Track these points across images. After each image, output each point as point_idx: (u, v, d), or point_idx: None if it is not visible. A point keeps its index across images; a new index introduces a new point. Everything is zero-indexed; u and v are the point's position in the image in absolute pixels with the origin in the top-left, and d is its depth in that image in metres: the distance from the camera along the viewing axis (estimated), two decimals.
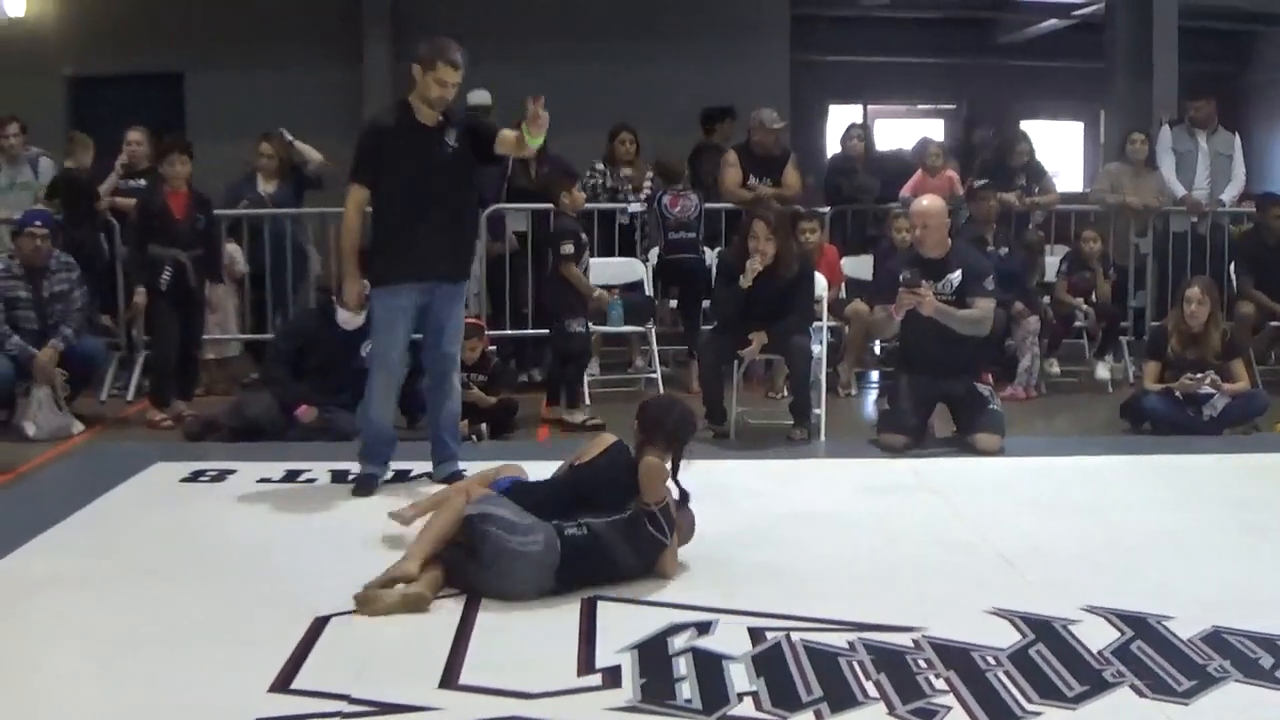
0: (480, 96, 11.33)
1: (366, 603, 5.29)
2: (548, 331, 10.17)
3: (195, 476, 7.84)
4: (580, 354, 9.89)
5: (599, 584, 5.58)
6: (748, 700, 4.46)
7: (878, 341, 11.32)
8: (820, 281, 9.71)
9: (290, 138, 11.35)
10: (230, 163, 11.83)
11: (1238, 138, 12.50)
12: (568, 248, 9.77)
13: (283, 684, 4.60)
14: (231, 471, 7.91)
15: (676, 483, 5.97)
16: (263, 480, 7.73)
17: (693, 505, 6.03)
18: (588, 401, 10.04)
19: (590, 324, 10.03)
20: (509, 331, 11.30)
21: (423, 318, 7.51)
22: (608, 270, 10.85)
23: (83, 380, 9.88)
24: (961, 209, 11.33)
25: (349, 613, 5.26)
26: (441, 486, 6.45)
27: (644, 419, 6.00)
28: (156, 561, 6.12)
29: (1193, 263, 11.95)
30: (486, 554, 5.47)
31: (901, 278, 8.62)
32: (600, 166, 11.70)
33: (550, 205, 10.83)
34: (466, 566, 5.55)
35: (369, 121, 7.73)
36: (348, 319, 8.90)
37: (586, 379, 10.20)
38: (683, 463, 6.01)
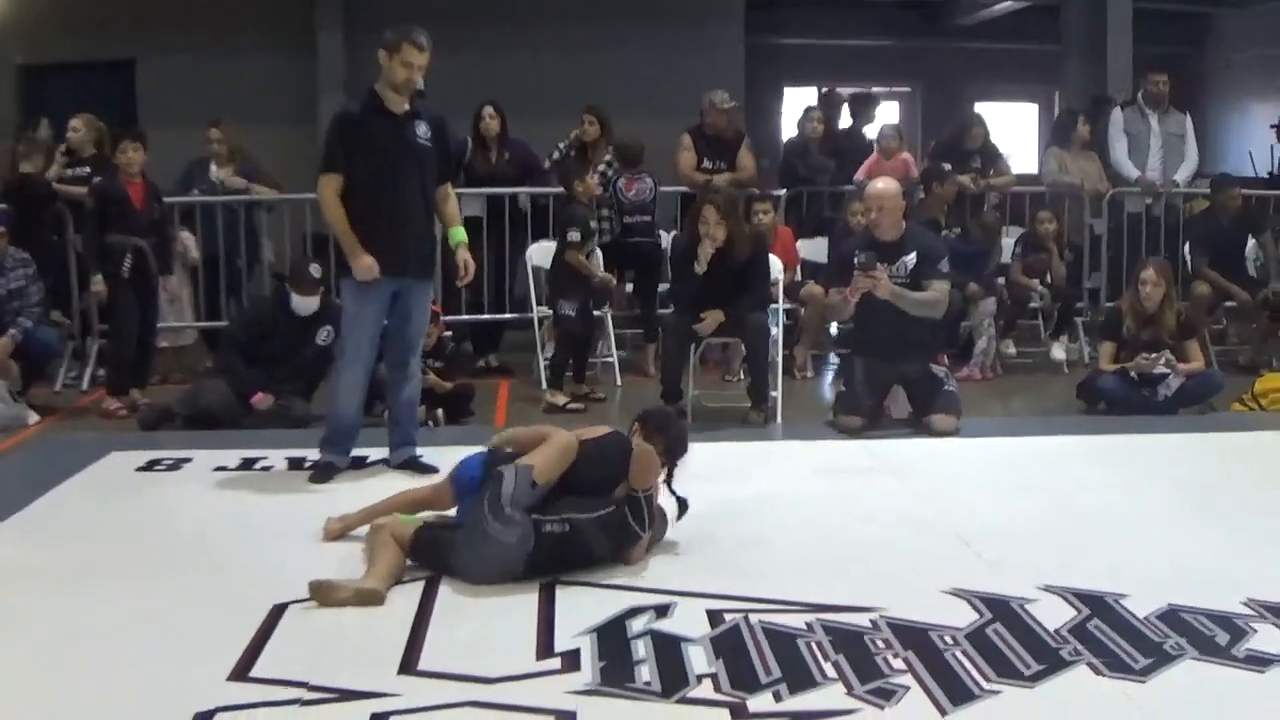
0: None
1: (321, 592, 5.26)
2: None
3: (151, 465, 7.80)
4: (568, 336, 10.03)
5: (568, 573, 5.57)
6: (707, 682, 4.46)
7: (834, 324, 11.34)
8: (775, 264, 9.72)
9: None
10: (183, 150, 11.77)
11: (1189, 118, 12.56)
12: (573, 235, 9.99)
13: (241, 672, 4.57)
14: (187, 460, 7.87)
15: (673, 492, 6.01)
16: (219, 468, 7.69)
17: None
18: (543, 385, 10.10)
19: (593, 306, 10.30)
20: (465, 317, 11.29)
21: (390, 305, 7.47)
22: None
23: (38, 371, 9.82)
24: (917, 191, 11.38)
25: (306, 600, 5.24)
26: (383, 497, 6.40)
27: (645, 425, 6.05)
28: (112, 551, 6.08)
29: (1147, 243, 12.03)
30: (466, 524, 5.53)
31: (856, 260, 8.65)
32: (562, 147, 11.67)
33: (508, 190, 10.94)
34: (449, 537, 5.59)
35: (337, 111, 7.66)
36: (302, 303, 8.90)
37: (543, 362, 10.35)
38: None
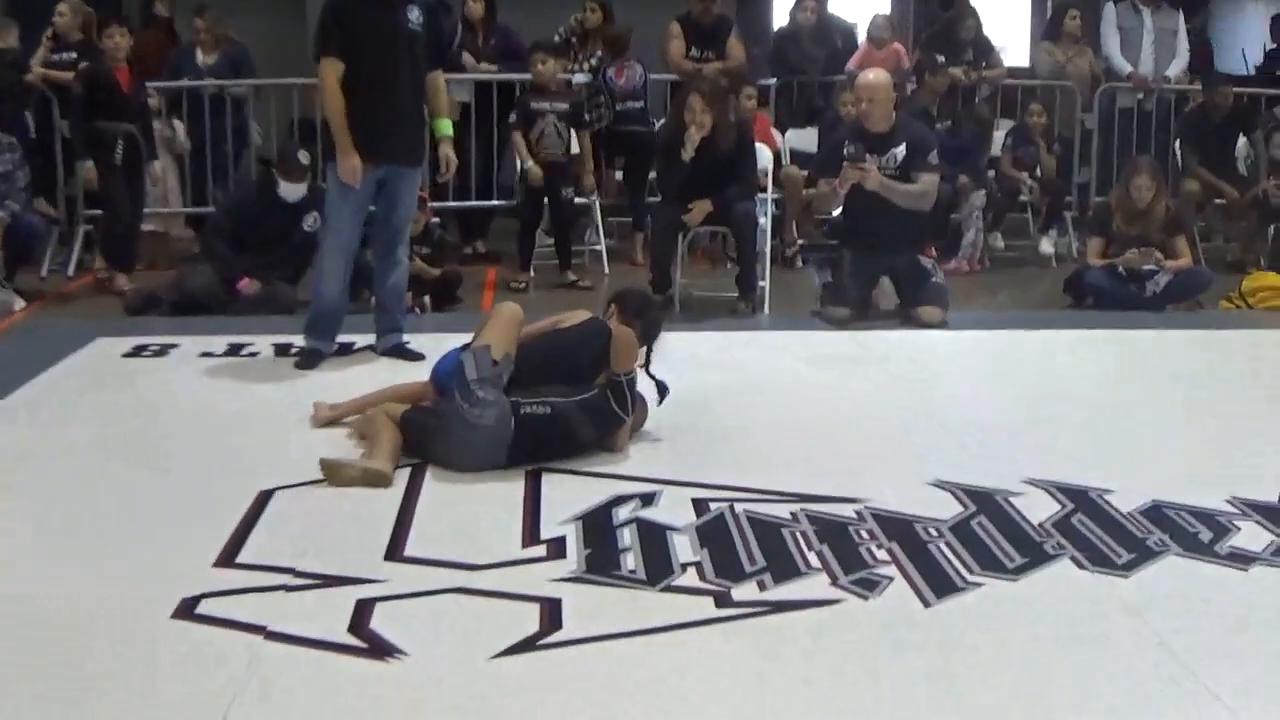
0: None
1: (331, 470, 5.29)
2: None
3: (137, 351, 7.79)
4: (522, 219, 10.35)
5: (552, 460, 5.57)
6: (691, 571, 4.48)
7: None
8: (764, 153, 9.69)
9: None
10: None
11: (1181, 14, 12.48)
12: (512, 117, 10.27)
13: (227, 558, 4.58)
14: (174, 346, 7.86)
15: (651, 376, 6.01)
16: (205, 354, 7.67)
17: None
18: (531, 273, 10.21)
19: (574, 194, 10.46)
20: (452, 203, 11.23)
21: (377, 191, 7.43)
22: None
23: (24, 256, 9.78)
24: (908, 83, 11.31)
25: (294, 485, 5.26)
26: (375, 389, 6.40)
27: (623, 308, 6.09)
28: (99, 437, 6.08)
29: (1138, 138, 11.96)
30: (447, 412, 5.54)
31: (846, 151, 8.61)
32: (563, 31, 11.57)
33: (497, 76, 10.98)
34: (434, 424, 5.60)
35: None
36: (290, 190, 8.85)
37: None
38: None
